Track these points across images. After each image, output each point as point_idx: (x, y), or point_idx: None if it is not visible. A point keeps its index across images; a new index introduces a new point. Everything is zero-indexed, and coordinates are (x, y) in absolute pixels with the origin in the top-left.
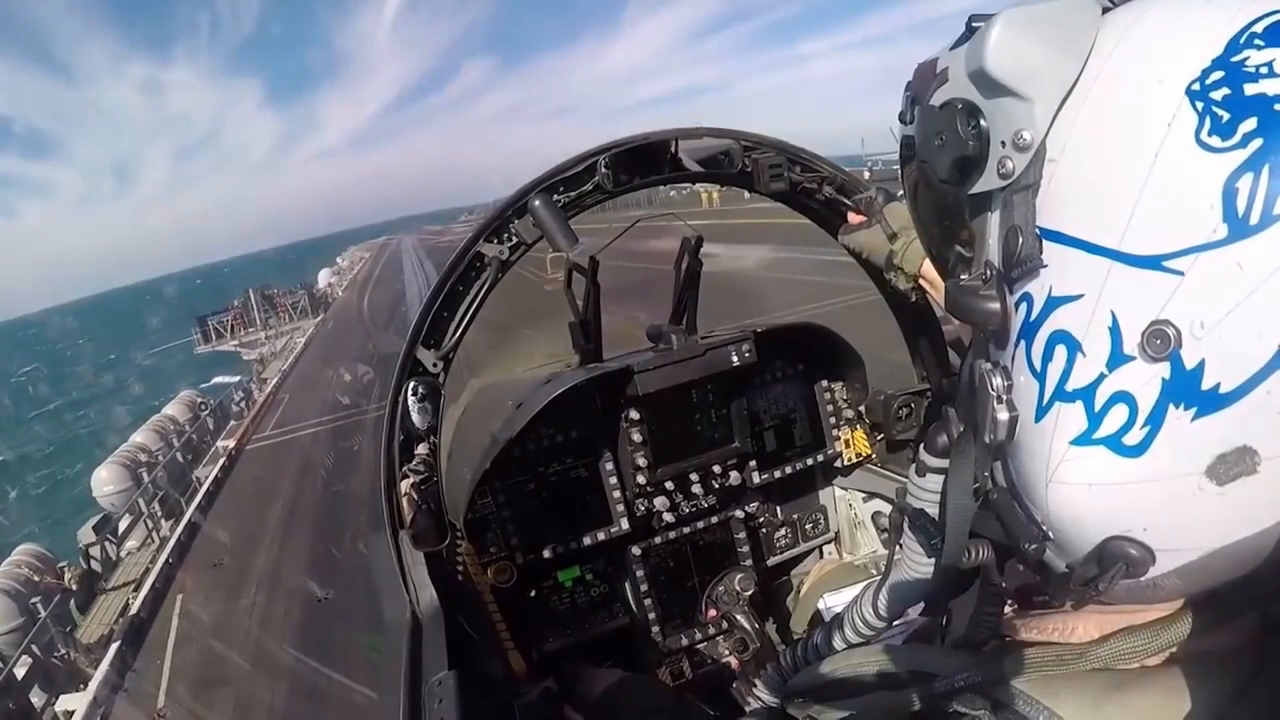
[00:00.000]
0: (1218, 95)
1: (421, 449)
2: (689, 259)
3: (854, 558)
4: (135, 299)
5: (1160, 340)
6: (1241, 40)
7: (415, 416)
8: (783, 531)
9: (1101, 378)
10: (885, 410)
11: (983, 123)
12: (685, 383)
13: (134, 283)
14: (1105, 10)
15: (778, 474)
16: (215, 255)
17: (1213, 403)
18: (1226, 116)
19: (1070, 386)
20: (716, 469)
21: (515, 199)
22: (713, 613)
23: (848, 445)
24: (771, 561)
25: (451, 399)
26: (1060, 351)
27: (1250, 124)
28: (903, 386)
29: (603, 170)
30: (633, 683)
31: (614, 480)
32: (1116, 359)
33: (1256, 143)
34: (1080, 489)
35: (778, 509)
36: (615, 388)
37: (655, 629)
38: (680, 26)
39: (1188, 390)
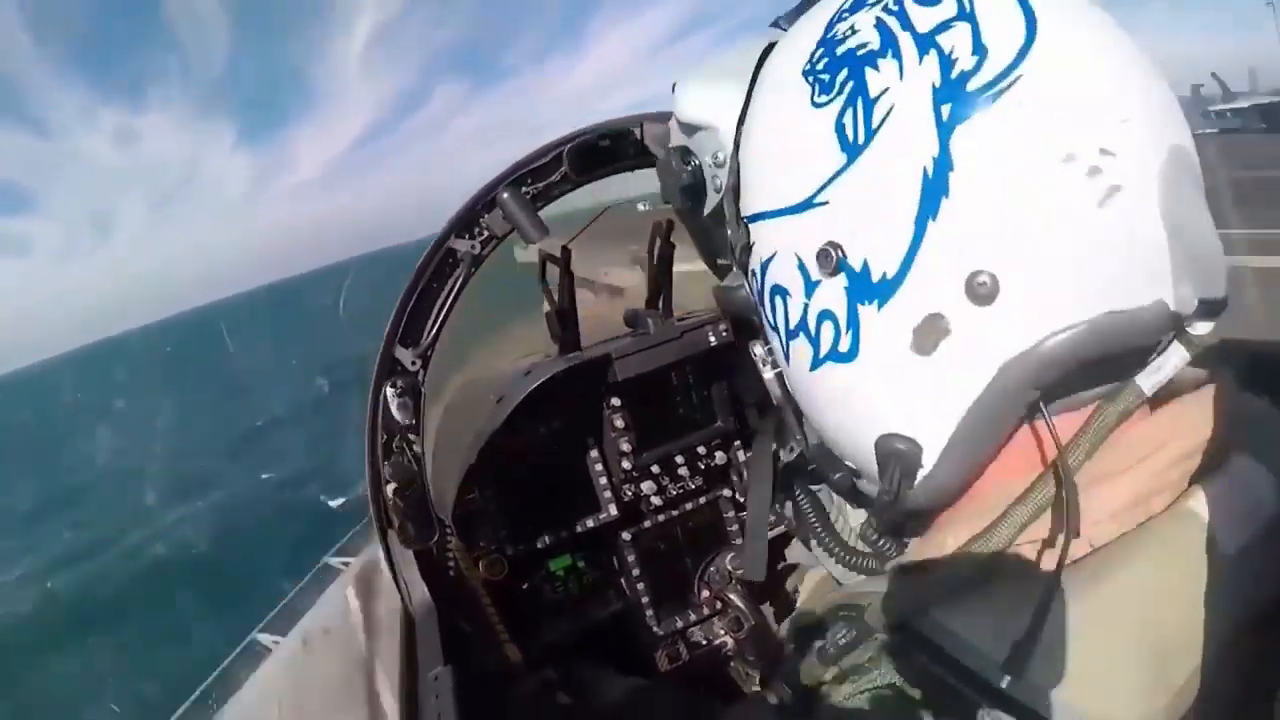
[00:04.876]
0: (820, 65)
1: (405, 447)
2: (660, 243)
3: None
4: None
5: (828, 257)
6: (834, 20)
7: (396, 415)
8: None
9: (806, 308)
10: None
11: (691, 157)
12: (664, 366)
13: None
14: (773, 45)
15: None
16: (195, 300)
17: (887, 289)
18: (828, 78)
19: (792, 325)
20: (701, 450)
21: (484, 193)
22: (706, 594)
23: None
24: None
25: (434, 397)
26: (779, 302)
27: (843, 74)
28: None
29: (568, 160)
30: (638, 686)
31: (599, 467)
32: (809, 288)
33: (849, 85)
34: (835, 406)
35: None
36: (595, 376)
37: (649, 613)
38: (647, 37)
39: (865, 288)
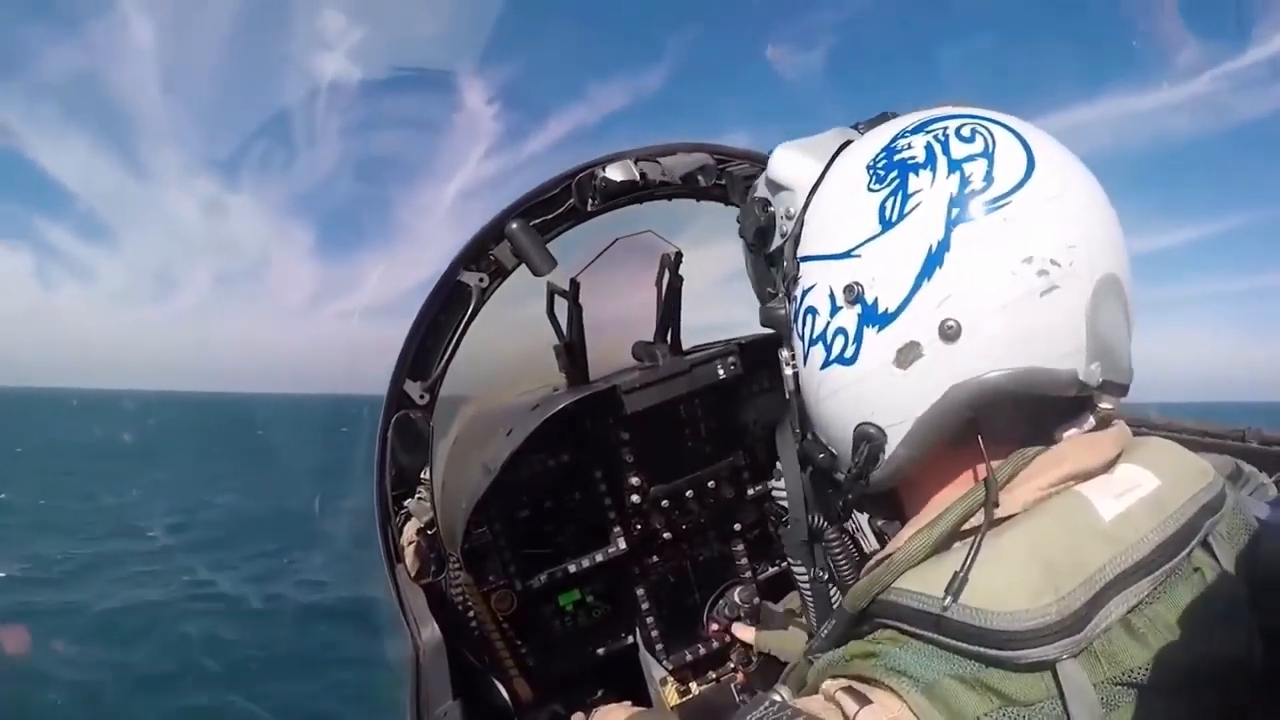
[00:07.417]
0: (880, 164)
1: (417, 478)
2: (669, 275)
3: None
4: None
5: (851, 292)
6: (899, 135)
7: (404, 450)
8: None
9: (828, 324)
10: None
11: (770, 207)
12: (673, 399)
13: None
14: (848, 142)
15: (771, 484)
16: (214, 385)
17: (887, 319)
18: (882, 174)
19: (815, 335)
20: (710, 484)
21: (493, 226)
22: (714, 627)
23: None
24: (771, 572)
25: (442, 429)
26: (808, 318)
27: (893, 174)
28: None
29: (577, 192)
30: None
31: (608, 501)
32: (833, 310)
33: (896, 181)
34: (832, 397)
35: (773, 519)
36: (603, 409)
37: (659, 647)
38: (721, 269)
39: (872, 316)
